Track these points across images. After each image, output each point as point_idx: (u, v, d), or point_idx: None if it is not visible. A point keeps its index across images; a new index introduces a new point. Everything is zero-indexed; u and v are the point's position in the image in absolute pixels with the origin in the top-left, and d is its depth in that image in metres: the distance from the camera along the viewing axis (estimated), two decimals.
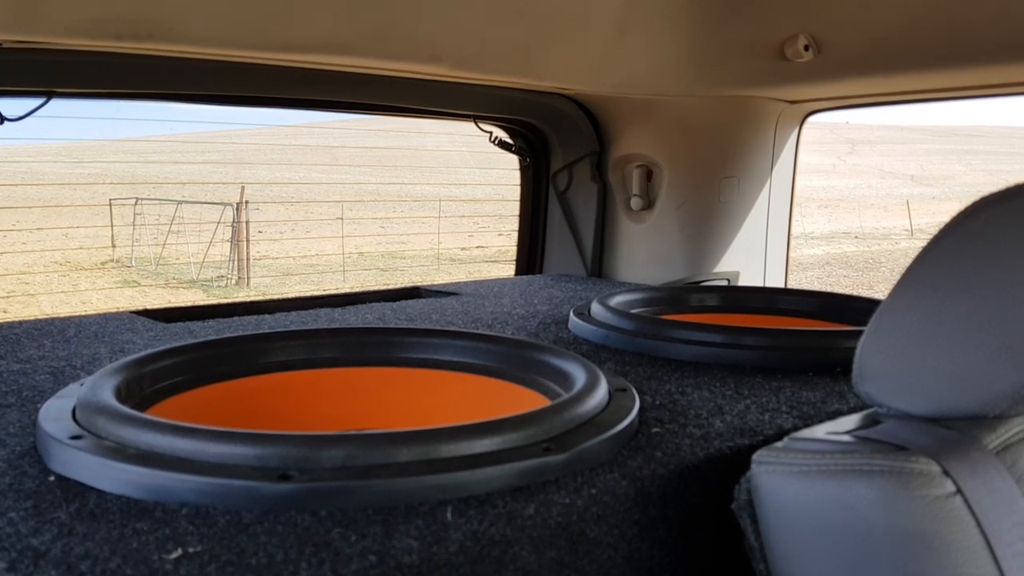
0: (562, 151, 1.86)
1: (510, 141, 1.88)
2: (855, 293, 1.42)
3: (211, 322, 1.22)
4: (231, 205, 12.16)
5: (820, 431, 0.67)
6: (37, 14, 1.00)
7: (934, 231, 0.65)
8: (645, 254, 1.81)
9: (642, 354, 1.05)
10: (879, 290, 10.74)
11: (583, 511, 0.60)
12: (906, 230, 19.46)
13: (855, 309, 1.30)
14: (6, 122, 1.19)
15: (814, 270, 13.15)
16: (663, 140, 1.74)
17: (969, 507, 0.57)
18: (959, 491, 0.57)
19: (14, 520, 0.54)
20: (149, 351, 0.84)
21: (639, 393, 0.84)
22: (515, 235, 2.00)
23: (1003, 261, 0.59)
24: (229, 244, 11.91)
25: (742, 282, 1.81)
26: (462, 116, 1.74)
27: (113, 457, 0.60)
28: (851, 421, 0.71)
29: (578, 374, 0.80)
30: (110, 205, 14.10)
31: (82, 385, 0.75)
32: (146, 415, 0.67)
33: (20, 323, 1.17)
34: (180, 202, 14.26)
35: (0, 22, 0.99)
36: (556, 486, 0.62)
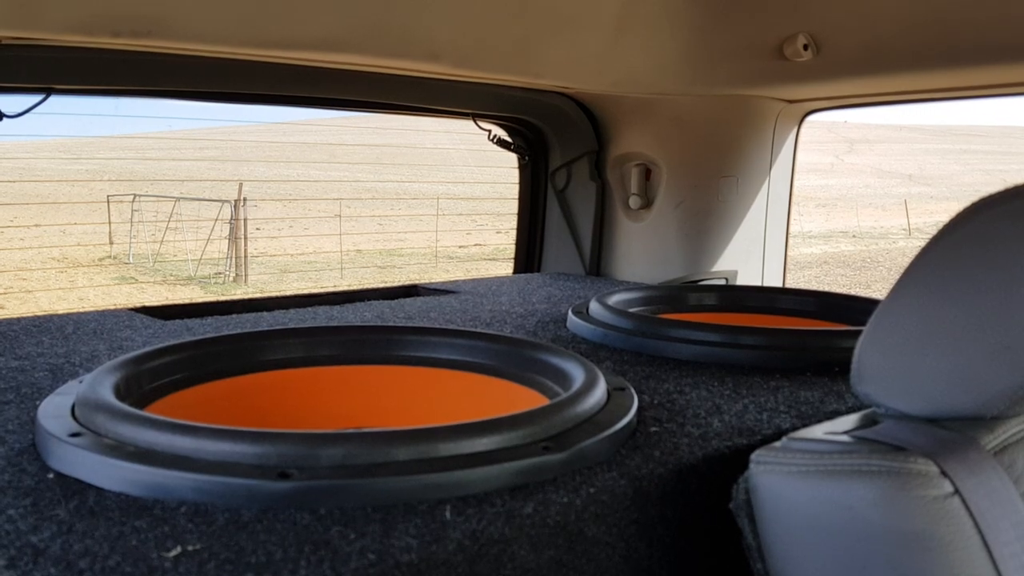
0: (561, 150, 1.86)
1: (509, 139, 1.88)
2: (853, 292, 1.42)
3: (209, 319, 1.22)
4: (229, 202, 12.16)
5: (818, 431, 0.67)
6: (36, 11, 1.00)
7: (932, 230, 0.65)
8: (643, 253, 1.81)
9: (640, 353, 1.05)
10: (876, 289, 10.75)
11: (581, 510, 0.60)
12: (904, 229, 19.48)
13: (853, 309, 1.30)
14: (4, 118, 1.19)
15: (812, 269, 13.16)
16: (662, 139, 1.74)
17: (967, 507, 0.57)
18: (957, 491, 0.58)
19: (13, 517, 0.54)
20: (148, 348, 0.84)
21: (637, 392, 0.84)
22: (513, 233, 2.00)
23: (1001, 262, 0.59)
24: (227, 241, 11.90)
25: (740, 281, 1.81)
26: (461, 114, 1.74)
27: (112, 455, 0.60)
28: (849, 421, 0.71)
29: (576, 373, 0.80)
30: (108, 202, 14.09)
31: (81, 382, 0.75)
32: (145, 412, 0.67)
33: (18, 320, 1.17)
34: (178, 199, 14.26)
35: None
36: (554, 485, 0.62)
